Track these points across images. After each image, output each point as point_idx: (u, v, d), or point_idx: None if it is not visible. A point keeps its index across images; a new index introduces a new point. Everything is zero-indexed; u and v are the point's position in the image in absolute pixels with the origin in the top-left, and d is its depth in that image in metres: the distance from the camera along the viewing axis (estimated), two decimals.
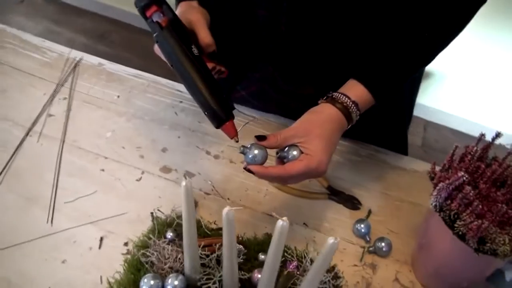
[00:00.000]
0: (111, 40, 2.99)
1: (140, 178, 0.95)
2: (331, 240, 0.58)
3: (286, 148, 0.78)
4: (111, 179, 0.94)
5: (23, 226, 0.86)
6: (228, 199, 0.94)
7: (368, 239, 0.91)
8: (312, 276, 0.64)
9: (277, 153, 0.80)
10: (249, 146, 0.77)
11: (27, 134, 0.99)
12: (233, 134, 0.78)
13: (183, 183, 0.61)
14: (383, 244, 0.89)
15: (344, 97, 0.79)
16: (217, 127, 0.77)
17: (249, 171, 0.76)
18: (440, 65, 2.66)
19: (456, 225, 0.72)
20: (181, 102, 1.11)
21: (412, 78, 0.96)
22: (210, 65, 0.82)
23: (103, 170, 0.96)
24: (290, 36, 0.91)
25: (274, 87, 1.02)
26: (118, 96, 1.10)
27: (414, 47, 0.84)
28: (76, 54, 1.17)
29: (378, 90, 0.82)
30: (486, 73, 2.58)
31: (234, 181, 0.97)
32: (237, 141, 0.78)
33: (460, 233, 0.72)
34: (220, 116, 0.76)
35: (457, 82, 2.68)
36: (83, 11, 3.25)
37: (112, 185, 0.94)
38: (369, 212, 0.95)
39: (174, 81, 1.14)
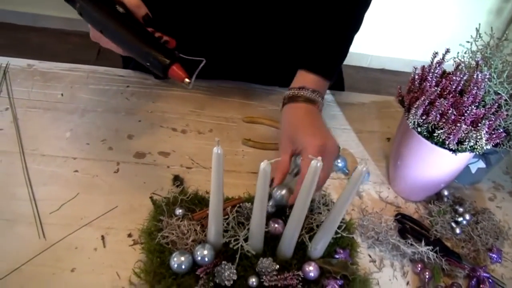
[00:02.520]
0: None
1: (118, 170, 0.93)
2: (359, 166, 0.65)
3: (274, 190, 0.84)
4: (89, 178, 0.91)
5: (15, 249, 0.80)
6: (211, 167, 0.95)
7: (347, 171, 0.99)
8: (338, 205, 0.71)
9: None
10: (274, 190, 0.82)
11: None
12: (183, 76, 0.72)
13: (215, 150, 0.63)
14: None
15: (302, 90, 0.86)
16: (164, 74, 0.73)
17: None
18: None
19: (435, 135, 0.82)
20: (128, 86, 1.08)
21: None
22: (157, 35, 0.79)
23: (76, 171, 0.92)
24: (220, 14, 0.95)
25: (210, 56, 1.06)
26: (62, 94, 1.04)
27: (336, 21, 0.91)
28: (1, 60, 1.07)
29: (325, 71, 0.90)
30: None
31: (209, 150, 0.97)
32: (189, 83, 0.72)
33: (440, 140, 0.83)
34: (163, 62, 0.71)
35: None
36: None
37: (92, 184, 0.90)
38: (338, 147, 1.03)
39: (111, 67, 1.10)
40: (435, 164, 0.88)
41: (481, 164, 0.95)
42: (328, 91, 1.16)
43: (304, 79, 0.88)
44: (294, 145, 0.85)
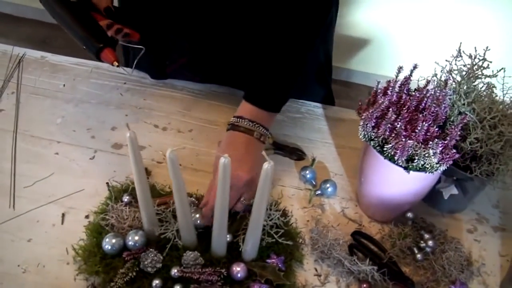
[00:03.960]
0: (55, 44, 3.00)
1: (94, 157, 1.00)
2: (265, 165, 0.65)
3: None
4: (66, 161, 0.98)
5: None
6: (180, 164, 0.99)
7: (314, 183, 0.98)
8: (257, 205, 0.71)
9: None
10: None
11: None
12: (112, 59, 0.80)
13: (127, 134, 0.66)
14: (328, 185, 0.96)
15: (243, 121, 0.88)
16: (97, 56, 0.80)
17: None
18: None
19: (385, 149, 0.80)
20: (124, 83, 1.15)
21: (324, 42, 1.06)
22: (116, 26, 0.86)
23: (57, 153, 0.99)
24: (199, 9, 1.00)
25: (199, 58, 1.10)
26: (64, 85, 1.14)
27: (283, 59, 0.92)
28: (19, 50, 1.19)
29: (264, 104, 0.90)
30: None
31: (185, 149, 1.02)
32: (117, 66, 0.81)
33: (390, 156, 0.80)
34: (95, 45, 0.79)
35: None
36: (22, 19, 3.26)
37: (67, 166, 0.97)
38: (313, 160, 1.02)
39: None
40: (391, 181, 0.84)
41: (454, 190, 0.89)
42: (319, 105, 1.16)
43: (244, 108, 0.90)
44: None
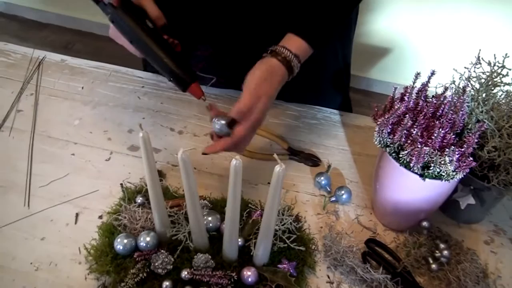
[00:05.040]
0: (76, 49, 3.05)
1: (109, 158, 1.00)
2: (277, 168, 0.64)
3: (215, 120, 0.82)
4: (82, 162, 0.99)
5: (2, 211, 0.90)
6: (195, 168, 0.99)
7: (329, 189, 0.97)
8: (269, 208, 0.70)
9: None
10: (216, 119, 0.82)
11: None
12: (200, 94, 0.83)
13: (140, 134, 0.67)
14: (342, 192, 0.95)
15: (285, 50, 0.85)
16: (184, 90, 0.82)
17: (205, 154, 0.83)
18: None
19: (400, 156, 0.79)
20: (143, 87, 1.16)
21: (342, 47, 1.05)
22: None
23: (73, 154, 1.00)
24: (223, 16, 0.99)
25: (216, 63, 1.10)
26: (82, 88, 1.15)
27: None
28: (39, 53, 1.22)
29: (314, 39, 0.89)
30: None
31: (200, 153, 1.02)
32: (204, 100, 0.83)
33: (405, 162, 0.79)
34: (184, 79, 0.81)
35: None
36: (44, 24, 3.33)
37: (83, 167, 0.98)
38: (329, 166, 1.01)
39: (134, 68, 1.20)
40: (407, 188, 0.83)
41: (471, 200, 0.88)
42: (335, 111, 1.15)
43: (289, 40, 0.88)
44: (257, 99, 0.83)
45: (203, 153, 0.83)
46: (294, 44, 0.87)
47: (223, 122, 0.80)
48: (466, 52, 1.50)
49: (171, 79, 0.83)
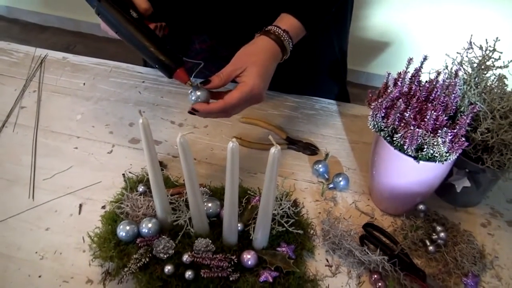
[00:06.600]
0: (77, 51, 3.09)
1: (111, 151, 1.03)
2: (272, 149, 0.66)
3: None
4: (85, 155, 1.01)
5: (7, 203, 0.92)
6: (195, 159, 1.01)
7: (326, 176, 0.99)
8: (266, 189, 0.71)
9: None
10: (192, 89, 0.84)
11: (3, 125, 1.06)
12: (186, 79, 0.83)
13: (140, 120, 0.69)
14: (340, 178, 0.97)
15: (276, 28, 0.88)
16: (170, 76, 0.83)
17: (193, 111, 0.83)
18: None
19: (394, 139, 0.80)
20: (143, 82, 1.19)
21: (338, 37, 1.07)
22: (152, 26, 0.88)
23: (76, 148, 1.03)
24: (220, 4, 1.01)
25: (214, 55, 1.12)
26: (84, 84, 1.18)
27: None
28: (41, 51, 1.24)
29: (306, 18, 0.90)
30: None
31: (200, 143, 1.05)
32: (190, 85, 0.83)
33: (399, 145, 0.80)
34: (169, 66, 0.82)
35: None
36: (45, 27, 3.38)
37: (85, 160, 1.01)
38: (327, 154, 1.03)
39: (135, 64, 1.22)
40: (402, 171, 0.85)
41: (466, 182, 0.89)
42: (333, 102, 1.17)
43: (281, 20, 0.90)
44: (235, 74, 0.86)
45: (189, 112, 0.83)
46: (285, 22, 0.89)
47: (198, 93, 0.83)
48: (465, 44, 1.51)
49: (157, 66, 0.83)
